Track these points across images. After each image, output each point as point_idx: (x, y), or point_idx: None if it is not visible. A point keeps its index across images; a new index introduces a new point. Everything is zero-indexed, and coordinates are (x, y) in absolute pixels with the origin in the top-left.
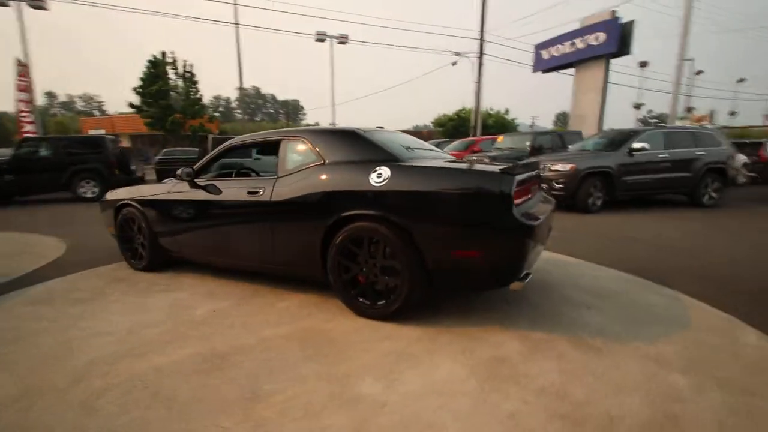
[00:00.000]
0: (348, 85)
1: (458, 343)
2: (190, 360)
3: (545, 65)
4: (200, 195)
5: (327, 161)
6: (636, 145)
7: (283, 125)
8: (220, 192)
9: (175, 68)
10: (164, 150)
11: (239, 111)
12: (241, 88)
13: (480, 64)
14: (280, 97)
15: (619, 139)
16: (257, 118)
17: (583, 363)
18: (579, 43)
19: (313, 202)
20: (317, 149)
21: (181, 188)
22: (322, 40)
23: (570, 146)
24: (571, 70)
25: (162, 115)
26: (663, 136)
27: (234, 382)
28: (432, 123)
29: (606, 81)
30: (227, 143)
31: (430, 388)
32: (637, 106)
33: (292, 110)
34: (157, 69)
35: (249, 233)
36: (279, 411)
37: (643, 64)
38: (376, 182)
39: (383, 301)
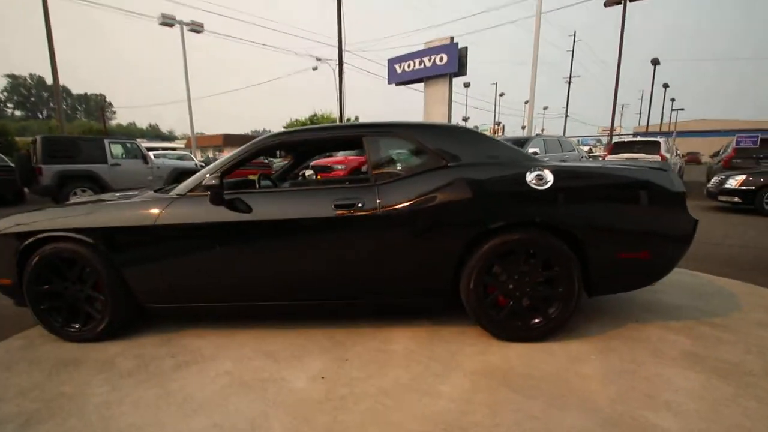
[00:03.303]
0: (179, 81)
1: (649, 345)
2: None
3: (398, 78)
4: (234, 215)
5: (451, 163)
6: (530, 150)
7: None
8: (274, 208)
9: None
10: None
11: (10, 105)
12: (11, 76)
13: (341, 72)
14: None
15: (515, 143)
16: (41, 115)
17: None
18: (427, 62)
19: (448, 214)
20: (433, 148)
21: (191, 207)
22: (170, 25)
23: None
24: (420, 85)
25: None
26: (542, 142)
27: None
28: (284, 128)
29: (450, 96)
30: (272, 139)
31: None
32: (465, 119)
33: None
34: None
35: (337, 258)
36: None
37: (467, 85)
38: (537, 186)
39: (538, 319)
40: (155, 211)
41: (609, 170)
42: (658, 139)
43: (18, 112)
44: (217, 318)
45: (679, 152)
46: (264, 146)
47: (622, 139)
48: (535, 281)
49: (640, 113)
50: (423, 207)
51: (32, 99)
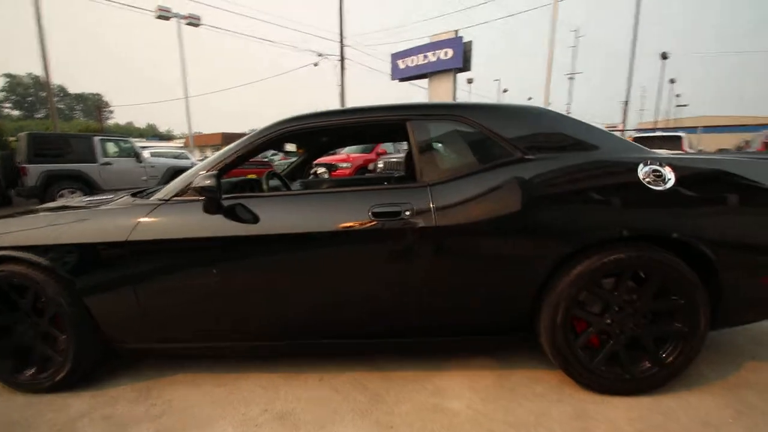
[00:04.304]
0: (177, 80)
1: None
2: None
3: (402, 74)
4: (236, 227)
5: (530, 155)
6: None
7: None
8: (290, 218)
9: None
10: None
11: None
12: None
13: (342, 68)
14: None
15: None
16: (39, 115)
17: None
18: (431, 57)
19: (529, 225)
20: (506, 136)
21: (178, 216)
22: (166, 18)
23: None
24: (424, 81)
25: None
26: None
27: None
28: None
29: (455, 91)
30: (285, 125)
31: None
32: None
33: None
34: None
35: (375, 285)
36: None
37: (471, 81)
38: (653, 185)
39: (647, 365)
40: (130, 222)
41: (755, 165)
42: (679, 133)
43: (16, 112)
44: (214, 358)
45: (700, 148)
46: (274, 135)
47: (643, 134)
48: (643, 315)
49: (642, 109)
50: (495, 215)
51: (30, 99)
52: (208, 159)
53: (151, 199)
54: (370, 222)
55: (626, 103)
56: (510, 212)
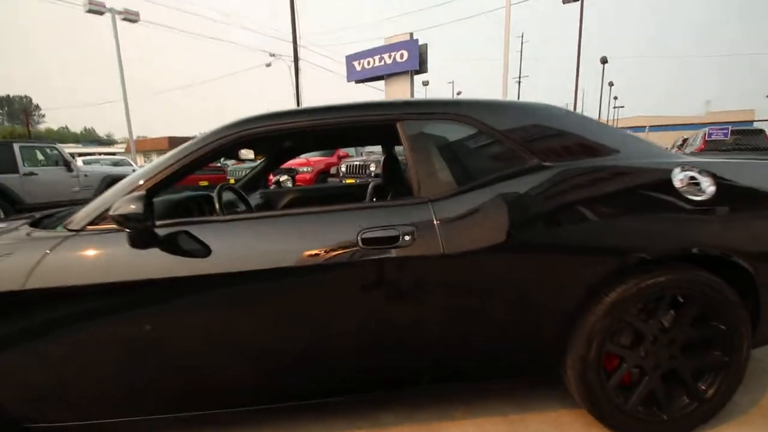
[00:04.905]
0: (117, 80)
1: None
2: None
3: (358, 76)
4: (178, 265)
5: (548, 162)
6: None
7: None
8: (251, 248)
9: None
10: None
11: None
12: None
13: (296, 69)
14: None
15: None
16: None
17: None
18: (387, 59)
19: (554, 245)
20: (517, 138)
21: (94, 252)
22: (100, 13)
23: None
24: (381, 83)
25: None
26: None
27: None
28: None
29: (412, 93)
30: (242, 127)
31: None
32: None
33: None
34: None
35: (365, 327)
36: None
37: (426, 83)
38: (692, 195)
39: (686, 402)
40: (28, 262)
41: None
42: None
43: None
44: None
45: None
46: (227, 140)
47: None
48: (682, 345)
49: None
50: (514, 237)
51: None
52: (135, 174)
53: (58, 229)
54: (360, 251)
55: (575, 105)
56: (532, 233)
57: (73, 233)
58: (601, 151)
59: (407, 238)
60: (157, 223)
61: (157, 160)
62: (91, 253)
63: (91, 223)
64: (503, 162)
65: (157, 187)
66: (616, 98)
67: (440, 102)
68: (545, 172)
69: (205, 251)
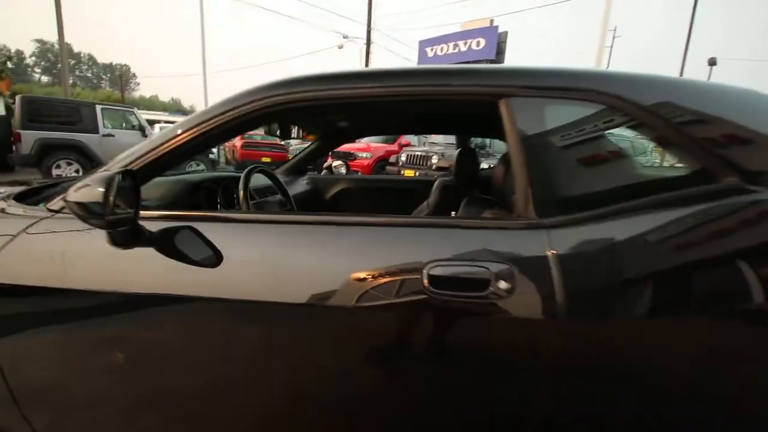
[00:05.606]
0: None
1: None
2: None
3: (429, 63)
4: (172, 276)
5: (755, 186)
6: None
7: (106, 95)
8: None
9: None
10: None
11: (38, 70)
12: (40, 41)
13: (368, 52)
14: (101, 59)
15: None
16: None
17: None
18: (462, 46)
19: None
20: (693, 137)
21: (70, 242)
22: None
23: None
24: None
25: None
26: None
27: None
28: None
29: None
30: (273, 93)
31: None
32: None
33: (119, 77)
34: None
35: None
36: None
37: None
38: None
39: None
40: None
41: None
42: None
43: (45, 78)
44: None
45: None
46: (252, 109)
47: None
48: None
49: None
50: (692, 301)
51: (59, 66)
52: (124, 154)
53: (39, 206)
54: (424, 295)
55: None
56: (725, 297)
57: (51, 214)
58: None
59: (502, 285)
60: (148, 214)
61: (154, 135)
62: (57, 244)
63: (63, 209)
64: (678, 176)
65: (151, 166)
66: None
67: (574, 73)
68: (753, 202)
69: (211, 259)
